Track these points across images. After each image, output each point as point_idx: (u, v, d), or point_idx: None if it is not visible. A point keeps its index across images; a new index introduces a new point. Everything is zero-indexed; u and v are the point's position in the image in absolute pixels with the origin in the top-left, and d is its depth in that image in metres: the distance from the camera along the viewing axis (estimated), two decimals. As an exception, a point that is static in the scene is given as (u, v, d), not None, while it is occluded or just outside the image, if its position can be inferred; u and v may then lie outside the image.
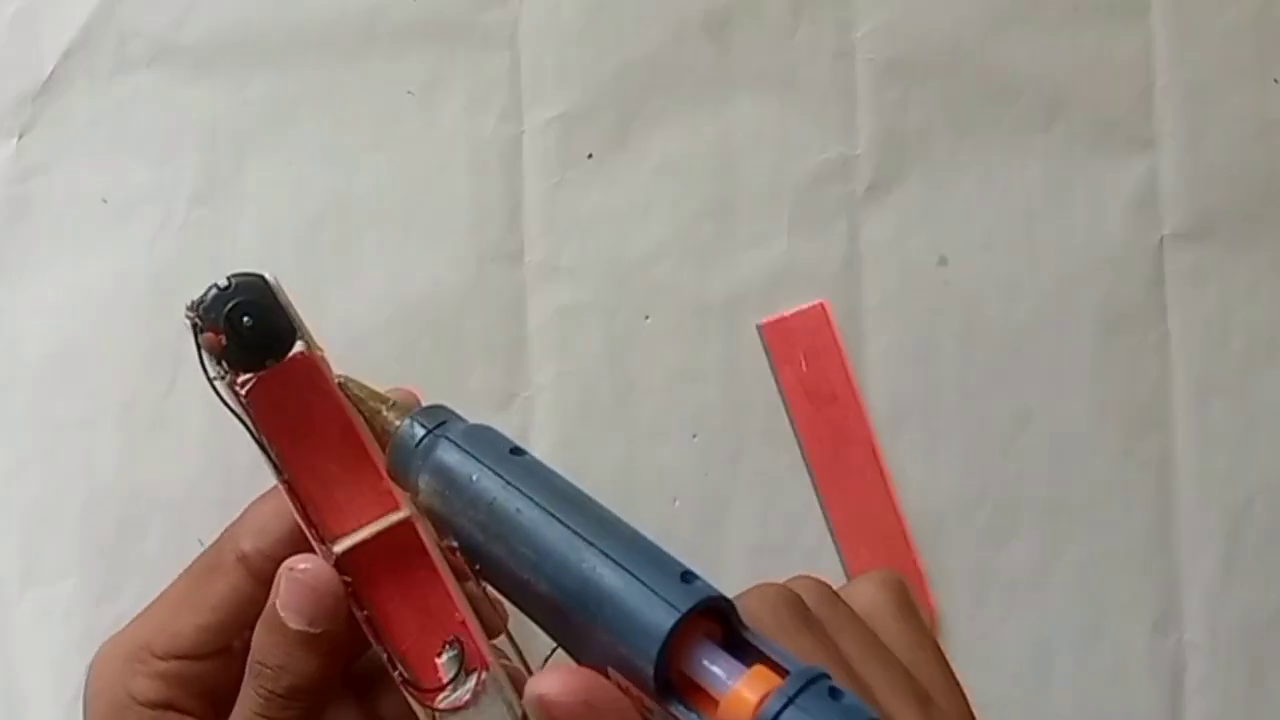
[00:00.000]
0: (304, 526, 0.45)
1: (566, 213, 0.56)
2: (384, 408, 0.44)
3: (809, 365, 0.56)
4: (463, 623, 0.46)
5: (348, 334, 0.55)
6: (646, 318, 0.56)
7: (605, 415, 0.56)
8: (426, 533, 0.46)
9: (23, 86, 0.55)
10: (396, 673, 0.46)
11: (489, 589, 0.42)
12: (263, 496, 0.47)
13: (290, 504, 0.45)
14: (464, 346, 0.56)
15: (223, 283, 0.43)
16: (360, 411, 0.44)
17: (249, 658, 0.44)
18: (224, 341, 0.43)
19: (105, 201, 0.55)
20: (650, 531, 0.55)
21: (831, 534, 0.56)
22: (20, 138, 0.55)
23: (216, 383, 0.44)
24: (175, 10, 0.55)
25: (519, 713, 0.47)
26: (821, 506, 0.56)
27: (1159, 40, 0.58)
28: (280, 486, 0.45)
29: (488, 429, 0.43)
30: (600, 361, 0.56)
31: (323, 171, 0.56)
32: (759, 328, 0.56)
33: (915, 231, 0.57)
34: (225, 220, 0.55)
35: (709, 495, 0.56)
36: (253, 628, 0.46)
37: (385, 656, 0.46)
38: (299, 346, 0.44)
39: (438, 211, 0.56)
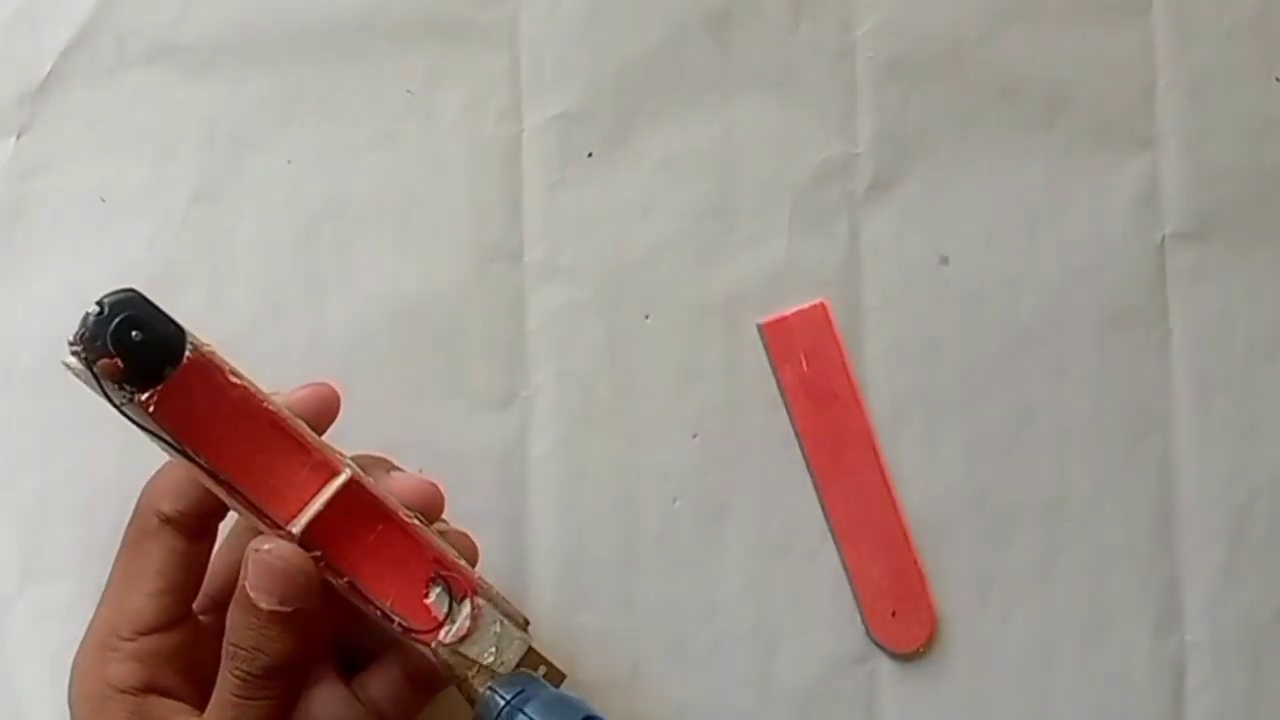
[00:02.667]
0: (258, 523, 0.45)
1: (566, 212, 0.56)
2: (470, 674, 0.46)
3: (810, 364, 0.55)
4: (437, 559, 0.47)
5: (348, 334, 0.55)
6: (646, 318, 0.56)
7: (605, 415, 0.56)
8: (375, 485, 0.46)
9: (21, 85, 0.55)
10: (395, 624, 0.46)
11: None
12: (170, 461, 0.47)
13: (235, 506, 0.45)
14: (464, 346, 0.56)
15: (94, 309, 0.42)
16: (451, 677, 0.46)
17: (224, 640, 0.44)
18: (120, 364, 0.42)
19: (104, 201, 0.55)
20: (650, 531, 0.55)
21: (832, 534, 0.56)
22: (19, 137, 0.55)
23: (126, 409, 0.43)
24: (174, 9, 0.55)
25: (521, 620, 0.48)
26: (821, 506, 0.56)
27: (1160, 39, 0.58)
28: (221, 492, 0.44)
29: (566, 699, 0.46)
30: (600, 361, 0.56)
31: (323, 171, 0.56)
32: (759, 327, 0.56)
33: (916, 231, 0.57)
34: (225, 220, 0.55)
35: (709, 495, 0.56)
36: (200, 586, 0.47)
37: (380, 614, 0.46)
38: (187, 349, 0.44)
39: (437, 211, 0.56)
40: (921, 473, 0.56)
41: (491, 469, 0.55)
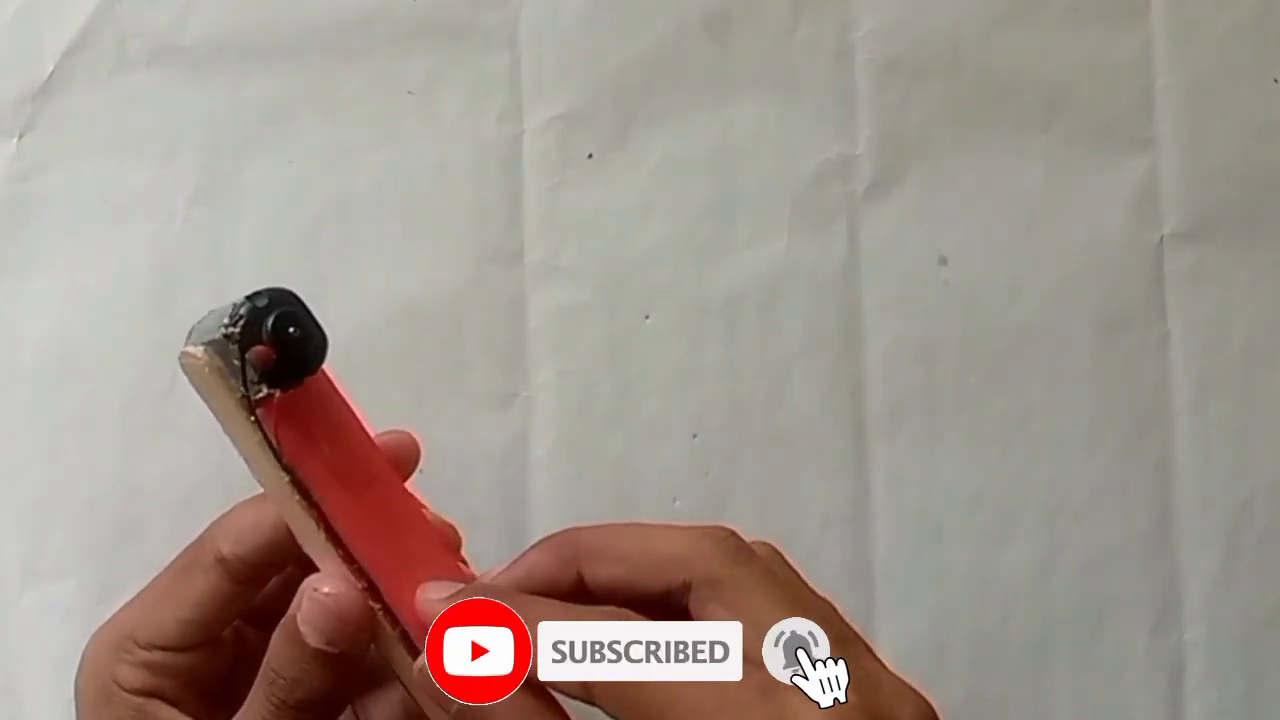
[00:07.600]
0: (326, 557, 0.43)
1: (566, 213, 0.56)
2: None
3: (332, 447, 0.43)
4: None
5: (348, 334, 0.55)
6: (646, 318, 0.56)
7: (605, 415, 0.56)
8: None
9: (23, 86, 0.55)
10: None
11: None
12: (246, 502, 0.46)
13: (310, 540, 0.42)
14: (464, 346, 0.56)
15: (247, 300, 0.40)
16: None
17: (264, 662, 0.44)
18: (273, 355, 0.40)
19: (105, 201, 0.55)
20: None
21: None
22: (20, 138, 0.55)
23: (256, 408, 0.40)
24: (175, 10, 0.55)
25: None
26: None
27: (1159, 40, 0.58)
28: (304, 517, 0.42)
29: None
30: (600, 361, 0.56)
31: (323, 171, 0.56)
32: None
33: (915, 231, 0.57)
34: (225, 220, 0.55)
35: (709, 495, 0.56)
36: (232, 623, 0.47)
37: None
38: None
39: (438, 211, 0.56)
40: (920, 472, 0.56)
41: (491, 469, 0.55)
